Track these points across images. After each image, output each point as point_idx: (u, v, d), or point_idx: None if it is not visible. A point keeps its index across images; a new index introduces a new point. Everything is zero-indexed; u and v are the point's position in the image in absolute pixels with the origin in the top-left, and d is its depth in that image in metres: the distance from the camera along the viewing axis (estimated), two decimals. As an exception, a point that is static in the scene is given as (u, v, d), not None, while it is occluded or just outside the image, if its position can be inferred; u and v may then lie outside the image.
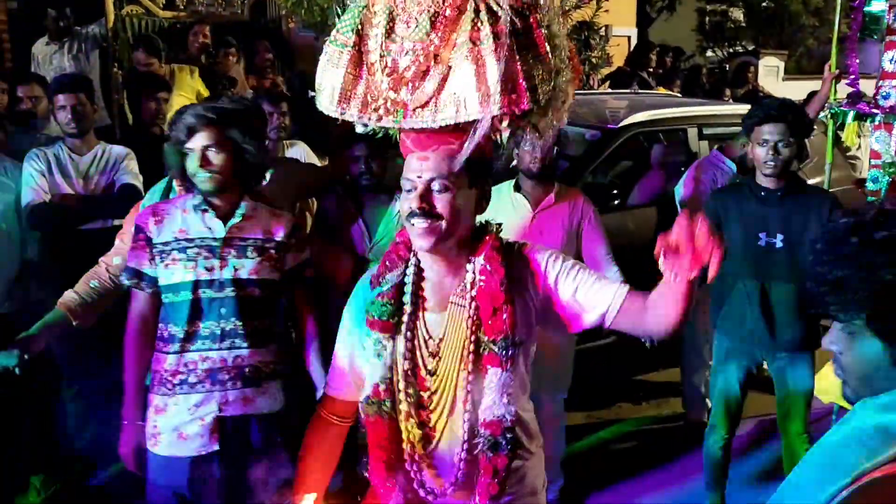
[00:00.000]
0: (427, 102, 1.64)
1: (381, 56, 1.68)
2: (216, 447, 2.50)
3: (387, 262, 1.87)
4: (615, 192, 5.05)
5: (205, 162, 2.44)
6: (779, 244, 3.13)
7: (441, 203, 1.72)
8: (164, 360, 2.51)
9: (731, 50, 14.27)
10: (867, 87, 4.06)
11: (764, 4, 13.39)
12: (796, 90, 6.66)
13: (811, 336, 3.20)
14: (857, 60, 4.08)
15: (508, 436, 1.75)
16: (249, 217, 2.55)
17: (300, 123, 4.85)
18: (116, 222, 3.51)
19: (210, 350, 2.49)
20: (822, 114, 4.26)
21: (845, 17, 4.85)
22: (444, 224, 1.72)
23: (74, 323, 2.70)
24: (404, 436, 1.82)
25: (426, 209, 1.71)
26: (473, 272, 1.79)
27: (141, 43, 5.91)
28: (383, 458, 1.83)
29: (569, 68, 1.70)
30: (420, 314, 1.82)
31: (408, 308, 1.81)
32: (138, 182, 3.75)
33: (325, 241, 3.34)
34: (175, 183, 3.05)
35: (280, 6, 7.91)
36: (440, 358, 1.80)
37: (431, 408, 1.81)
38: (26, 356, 2.63)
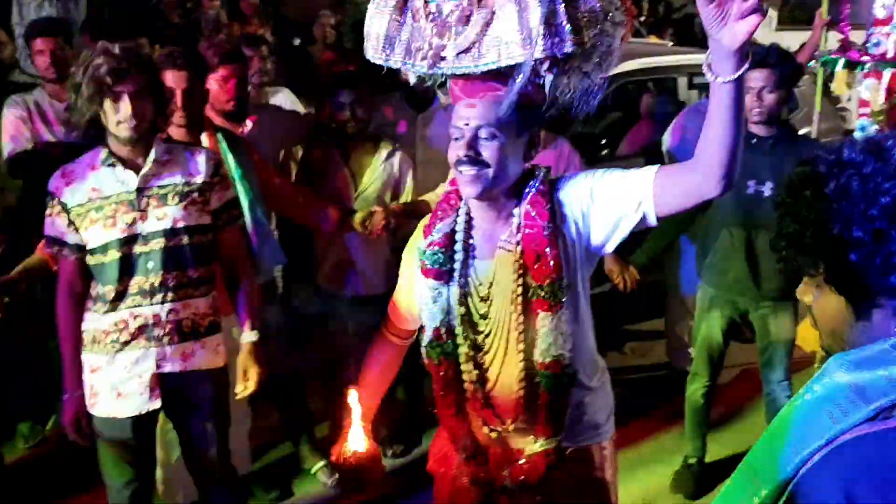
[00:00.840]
0: (469, 48, 1.64)
1: (425, 1, 1.68)
2: (157, 404, 2.44)
3: (438, 211, 1.90)
4: (604, 141, 5.02)
5: (135, 109, 2.28)
6: (767, 192, 3.11)
7: (488, 151, 1.73)
8: (95, 319, 2.43)
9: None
10: (858, 37, 4.01)
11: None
12: (790, 39, 6.57)
13: (795, 286, 3.20)
14: (848, 9, 4.03)
15: (566, 374, 1.80)
16: (163, 162, 2.41)
17: (286, 70, 4.77)
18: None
19: (140, 306, 2.39)
20: (811, 63, 4.23)
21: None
22: (490, 172, 1.73)
23: (54, 268, 2.68)
24: (465, 377, 1.88)
25: (473, 157, 1.72)
26: (519, 217, 1.80)
27: None
28: (448, 399, 1.91)
29: (619, 10, 1.65)
30: (471, 261, 1.86)
31: (459, 255, 1.84)
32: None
33: (309, 190, 3.32)
34: None
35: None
36: (491, 302, 1.83)
37: (486, 350, 1.86)
38: (6, 299, 2.60)
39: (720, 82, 1.45)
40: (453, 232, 1.86)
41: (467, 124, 1.73)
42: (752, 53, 3.27)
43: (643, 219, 1.71)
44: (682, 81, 5.08)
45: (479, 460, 1.94)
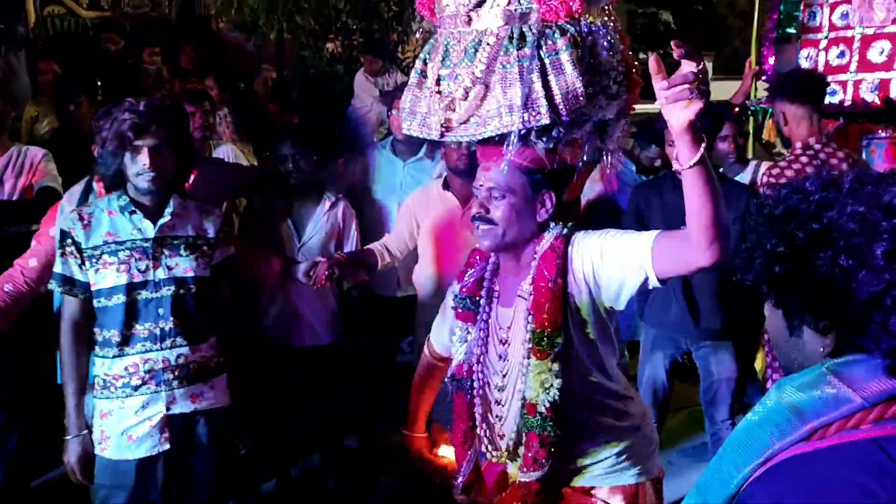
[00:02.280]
0: (469, 118, 1.85)
1: (437, 80, 1.91)
2: (167, 446, 2.49)
3: (471, 259, 2.11)
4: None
5: (154, 162, 2.40)
6: None
7: (496, 210, 1.92)
8: (104, 364, 2.47)
9: (661, 51, 14.58)
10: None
11: (692, 6, 13.71)
12: (724, 90, 6.83)
13: (733, 324, 3.29)
14: (773, 58, 4.21)
15: (542, 417, 1.89)
16: (178, 214, 2.53)
17: (238, 120, 4.80)
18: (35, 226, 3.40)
19: (150, 351, 2.46)
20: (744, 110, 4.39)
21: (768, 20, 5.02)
22: (498, 229, 1.92)
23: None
24: (478, 410, 2.05)
25: (483, 215, 1.92)
26: (533, 269, 1.93)
27: None
28: (459, 428, 2.10)
29: (618, 84, 1.83)
30: (494, 306, 2.04)
31: (483, 301, 2.04)
32: (57, 184, 3.64)
33: (253, 241, 3.29)
34: (95, 184, 2.97)
35: (209, 6, 7.78)
36: (509, 345, 1.99)
37: (501, 387, 2.01)
38: None
39: (682, 170, 1.61)
40: (482, 279, 2.05)
41: (481, 185, 1.93)
42: None
43: (645, 280, 1.80)
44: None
45: (475, 488, 2.11)
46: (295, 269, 3.22)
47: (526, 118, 1.76)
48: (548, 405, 1.88)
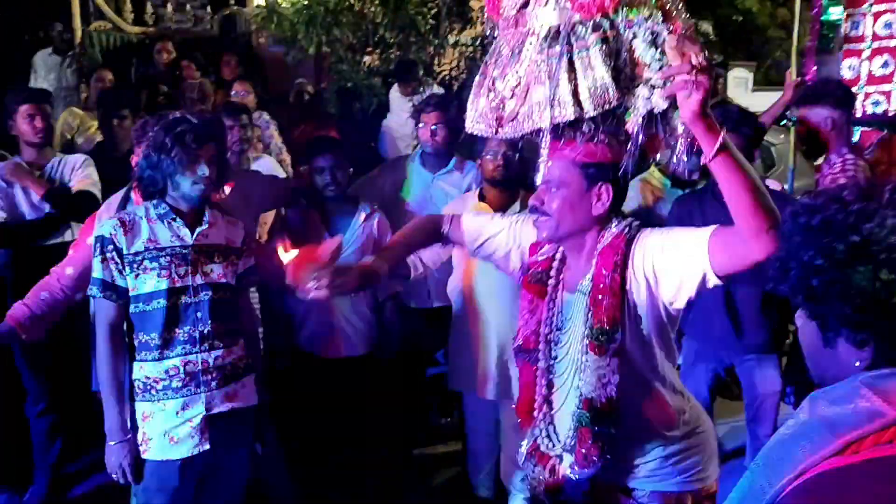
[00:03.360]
0: (515, 117, 1.90)
1: (493, 81, 1.96)
2: (207, 446, 2.56)
3: (539, 243, 2.10)
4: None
5: (210, 172, 2.52)
6: None
7: (550, 202, 1.95)
8: (143, 367, 2.53)
9: (701, 62, 14.42)
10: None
11: (732, 18, 13.57)
12: (765, 101, 6.73)
13: (777, 338, 3.24)
14: (815, 68, 4.14)
15: (601, 415, 1.90)
16: (213, 224, 2.62)
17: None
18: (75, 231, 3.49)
19: (190, 354, 2.54)
20: (784, 122, 4.32)
21: (809, 30, 4.95)
22: (553, 221, 1.95)
23: (23, 336, 2.66)
24: (540, 389, 2.06)
25: (538, 206, 1.97)
26: (593, 264, 1.94)
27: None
28: (524, 400, 2.11)
29: (646, 81, 1.79)
30: (560, 291, 2.05)
31: (552, 282, 2.06)
32: (97, 189, 3.71)
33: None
34: (133, 194, 3.02)
35: (250, 21, 7.90)
36: (565, 333, 2.01)
37: (557, 374, 2.04)
38: None
39: (707, 163, 1.60)
40: (553, 259, 2.07)
41: (542, 179, 1.97)
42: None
43: (704, 277, 1.78)
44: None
45: (535, 465, 2.11)
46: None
47: (554, 115, 1.80)
48: (604, 401, 1.90)
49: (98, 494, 3.44)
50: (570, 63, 1.79)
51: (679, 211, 3.36)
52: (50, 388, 3.56)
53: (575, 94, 1.79)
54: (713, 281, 1.78)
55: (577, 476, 1.97)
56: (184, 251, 2.54)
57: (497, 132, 1.96)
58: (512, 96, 1.90)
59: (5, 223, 3.56)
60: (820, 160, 6.06)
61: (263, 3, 7.25)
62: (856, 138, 3.91)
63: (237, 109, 4.18)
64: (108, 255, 2.49)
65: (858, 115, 3.86)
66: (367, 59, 7.04)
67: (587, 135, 1.86)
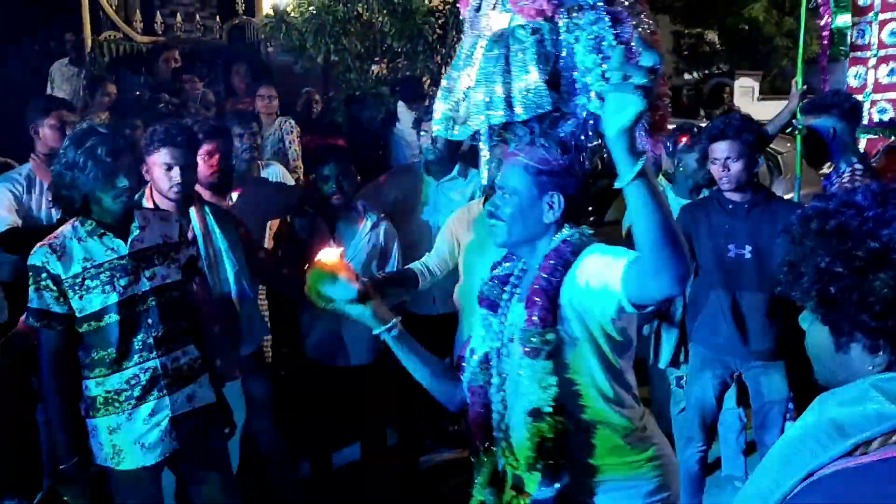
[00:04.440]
0: (465, 118, 1.90)
1: (451, 83, 1.98)
2: (177, 445, 2.60)
3: (507, 254, 2.08)
4: (591, 208, 5.07)
5: (131, 182, 2.49)
6: (747, 255, 3.17)
7: (503, 208, 1.92)
8: (102, 383, 2.53)
9: (706, 71, 14.45)
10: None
11: (739, 27, 13.58)
12: (771, 110, 6.72)
13: (784, 345, 3.23)
14: (826, 77, 4.16)
15: (548, 422, 1.84)
16: (144, 227, 2.60)
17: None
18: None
19: (147, 360, 2.55)
20: (791, 130, 4.32)
21: (817, 38, 4.96)
22: (504, 227, 1.92)
23: (34, 342, 2.67)
24: (493, 408, 2.01)
25: (492, 212, 1.95)
26: (536, 268, 1.93)
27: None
28: (478, 430, 2.03)
29: (585, 87, 1.77)
30: (514, 301, 1.99)
31: (505, 296, 2.01)
32: None
33: (295, 261, 3.33)
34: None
35: (258, 31, 7.95)
36: (516, 347, 1.94)
37: (509, 392, 1.97)
38: None
39: (621, 186, 1.51)
40: (511, 274, 2.04)
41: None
42: (713, 127, 3.44)
43: (620, 306, 1.73)
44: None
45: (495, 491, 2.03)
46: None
47: (487, 117, 1.81)
48: (551, 405, 1.84)
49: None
50: (508, 65, 1.78)
51: (685, 219, 3.37)
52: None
53: (508, 96, 1.77)
54: (629, 310, 1.72)
55: (543, 494, 1.89)
56: (121, 262, 2.51)
57: (452, 134, 1.97)
58: (464, 98, 1.90)
59: (21, 228, 3.58)
60: (826, 168, 6.08)
61: (272, 13, 7.28)
62: (862, 146, 3.91)
63: (247, 118, 4.21)
64: (42, 283, 2.45)
65: (865, 122, 3.86)
66: (374, 68, 7.06)
67: (521, 139, 1.85)
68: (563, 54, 1.75)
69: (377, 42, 6.95)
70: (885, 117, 3.78)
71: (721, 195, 3.28)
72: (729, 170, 3.14)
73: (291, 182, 4.31)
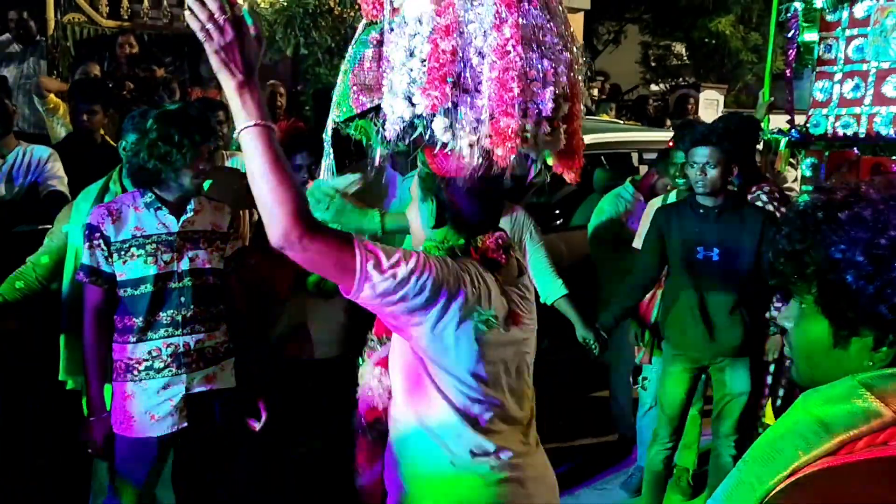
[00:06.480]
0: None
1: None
2: (185, 424, 2.68)
3: None
4: (558, 212, 5.11)
5: (204, 162, 2.63)
6: (715, 257, 3.28)
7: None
8: (126, 349, 2.63)
9: (673, 83, 14.66)
10: (800, 120, 4.20)
11: (706, 41, 13.80)
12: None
13: (749, 342, 3.34)
14: (792, 91, 4.23)
15: (367, 423, 1.93)
16: (198, 211, 2.72)
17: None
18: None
19: (172, 336, 2.65)
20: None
21: (781, 54, 5.05)
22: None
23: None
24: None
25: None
26: None
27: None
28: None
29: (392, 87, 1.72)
30: None
31: None
32: (63, 186, 3.67)
33: (265, 252, 3.28)
34: (114, 184, 3.01)
35: (227, 20, 7.86)
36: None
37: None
38: None
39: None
40: None
41: None
42: (695, 132, 3.49)
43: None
44: (634, 157, 5.22)
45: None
46: (305, 281, 3.21)
47: (335, 114, 1.83)
48: (366, 408, 1.92)
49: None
50: (353, 63, 1.79)
51: (659, 220, 3.44)
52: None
53: (345, 95, 1.79)
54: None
55: (358, 482, 1.97)
56: (169, 238, 2.64)
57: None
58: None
59: None
60: (790, 182, 6.20)
61: (241, 2, 7.21)
62: (825, 160, 3.98)
63: (213, 106, 4.14)
64: (96, 242, 2.58)
65: (829, 136, 3.94)
66: (344, 62, 7.04)
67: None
68: (387, 57, 1.74)
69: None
70: (850, 132, 3.85)
71: (694, 199, 3.33)
72: (706, 175, 3.21)
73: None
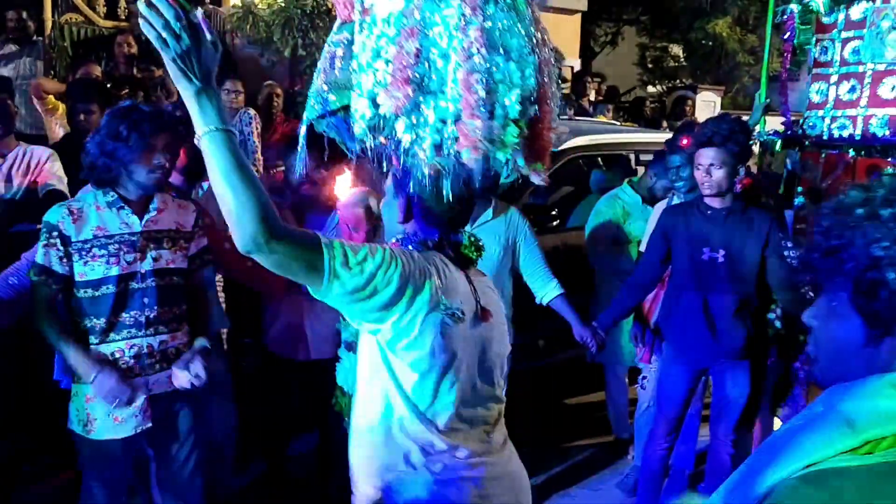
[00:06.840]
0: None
1: None
2: (149, 424, 2.63)
3: None
4: (554, 213, 5.11)
5: (163, 161, 2.57)
6: (720, 259, 3.27)
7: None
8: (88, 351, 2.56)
9: (670, 84, 14.69)
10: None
11: (703, 42, 13.82)
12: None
13: (751, 345, 3.32)
14: (789, 92, 4.23)
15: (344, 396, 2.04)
16: (161, 210, 2.67)
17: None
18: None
19: (135, 337, 2.60)
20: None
21: (778, 56, 5.05)
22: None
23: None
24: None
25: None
26: None
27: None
28: None
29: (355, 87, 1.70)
30: None
31: None
32: (63, 185, 3.67)
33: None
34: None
35: (225, 21, 7.84)
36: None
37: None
38: None
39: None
40: None
41: None
42: (702, 134, 3.51)
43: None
44: (631, 158, 5.22)
45: None
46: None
47: (310, 110, 1.82)
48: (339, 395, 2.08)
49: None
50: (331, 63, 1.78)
51: (665, 222, 3.44)
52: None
53: (316, 93, 1.79)
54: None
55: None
56: (132, 238, 2.59)
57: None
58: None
59: None
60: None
61: (239, 4, 7.19)
62: (822, 162, 3.99)
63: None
64: (52, 241, 2.52)
65: (825, 138, 3.94)
66: (342, 63, 7.03)
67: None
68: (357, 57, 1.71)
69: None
70: (845, 133, 3.85)
71: (701, 201, 3.34)
72: (711, 176, 3.22)
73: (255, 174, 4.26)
